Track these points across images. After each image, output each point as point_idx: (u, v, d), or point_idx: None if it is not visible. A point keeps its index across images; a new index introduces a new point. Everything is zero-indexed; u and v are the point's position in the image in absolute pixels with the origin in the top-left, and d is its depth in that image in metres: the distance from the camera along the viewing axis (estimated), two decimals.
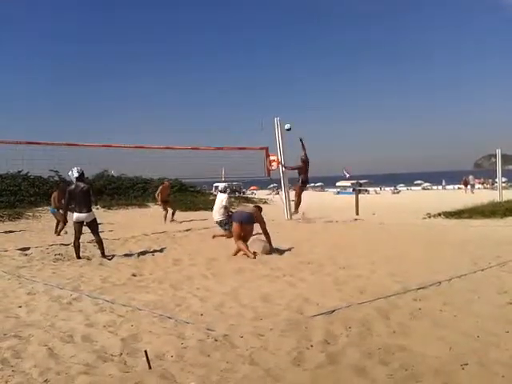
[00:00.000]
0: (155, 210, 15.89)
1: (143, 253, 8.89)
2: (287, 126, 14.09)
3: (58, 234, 12.30)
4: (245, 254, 8.02)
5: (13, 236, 12.84)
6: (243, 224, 8.27)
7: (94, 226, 8.53)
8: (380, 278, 6.03)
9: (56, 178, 20.19)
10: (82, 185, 8.36)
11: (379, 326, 4.13)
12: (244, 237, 8.28)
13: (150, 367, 3.31)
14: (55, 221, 12.96)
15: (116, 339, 3.98)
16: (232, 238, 8.70)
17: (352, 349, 3.60)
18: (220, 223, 10.89)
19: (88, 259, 8.38)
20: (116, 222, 15.32)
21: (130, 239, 10.88)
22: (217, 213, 10.90)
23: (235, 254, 8.21)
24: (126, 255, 8.70)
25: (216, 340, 3.86)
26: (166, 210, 15.53)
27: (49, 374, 3.28)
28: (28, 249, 9.66)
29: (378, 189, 59.88)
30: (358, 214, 16.42)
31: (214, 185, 11.52)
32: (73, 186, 8.33)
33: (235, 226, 8.33)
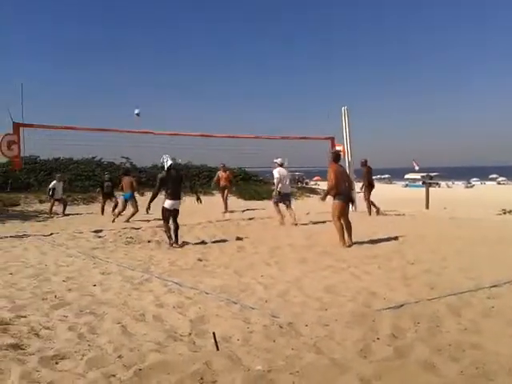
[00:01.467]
0: (219, 197, 16.10)
1: (208, 239, 9.09)
2: (136, 111, 12.95)
3: (116, 217, 12.77)
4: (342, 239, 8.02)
5: (87, 219, 13.60)
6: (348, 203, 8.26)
7: (177, 212, 8.54)
8: (451, 274, 5.81)
9: (127, 165, 20.98)
10: (176, 172, 8.36)
11: (450, 323, 4.00)
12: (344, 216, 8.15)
13: (217, 349, 3.40)
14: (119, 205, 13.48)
15: (185, 320, 4.12)
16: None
17: (421, 344, 3.51)
18: (289, 196, 11.72)
19: (158, 243, 8.72)
20: (182, 208, 15.70)
21: (195, 226, 11.17)
22: (288, 186, 11.64)
23: (344, 240, 8.03)
24: (192, 241, 8.94)
25: (281, 327, 3.90)
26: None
27: (122, 350, 3.44)
28: (101, 231, 10.21)
29: (449, 182, 57.45)
30: (428, 207, 15.85)
31: (274, 160, 11.82)
32: (164, 174, 8.28)
33: (344, 204, 8.08)
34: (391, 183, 58.92)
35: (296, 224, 11.04)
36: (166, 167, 8.30)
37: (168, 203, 8.36)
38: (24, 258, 7.21)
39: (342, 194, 8.01)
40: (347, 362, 3.21)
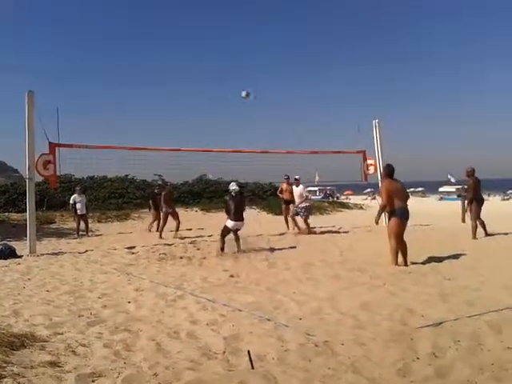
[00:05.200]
0: (249, 214, 16.09)
1: (240, 255, 9.07)
2: (243, 94, 12.12)
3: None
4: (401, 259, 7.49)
5: (120, 236, 13.82)
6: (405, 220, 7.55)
7: (237, 230, 9.57)
8: (490, 291, 5.61)
9: (159, 182, 21.30)
10: (240, 196, 9.57)
11: (491, 341, 3.87)
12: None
13: (252, 367, 3.37)
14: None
15: (219, 338, 4.11)
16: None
17: (462, 363, 3.41)
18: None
19: (189, 259, 8.76)
20: (214, 224, 15.80)
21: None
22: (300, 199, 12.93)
23: (397, 260, 7.48)
24: (224, 257, 8.96)
25: (316, 345, 3.83)
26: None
27: (158, 368, 3.45)
28: (134, 248, 10.35)
29: (486, 195, 55.68)
30: (464, 221, 15.43)
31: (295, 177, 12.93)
32: (230, 198, 9.51)
33: (401, 221, 7.42)
34: (425, 196, 57.62)
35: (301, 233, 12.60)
36: (233, 193, 9.48)
37: (230, 224, 9.41)
38: (60, 275, 7.36)
39: (398, 210, 7.36)
40: (386, 382, 3.13)
